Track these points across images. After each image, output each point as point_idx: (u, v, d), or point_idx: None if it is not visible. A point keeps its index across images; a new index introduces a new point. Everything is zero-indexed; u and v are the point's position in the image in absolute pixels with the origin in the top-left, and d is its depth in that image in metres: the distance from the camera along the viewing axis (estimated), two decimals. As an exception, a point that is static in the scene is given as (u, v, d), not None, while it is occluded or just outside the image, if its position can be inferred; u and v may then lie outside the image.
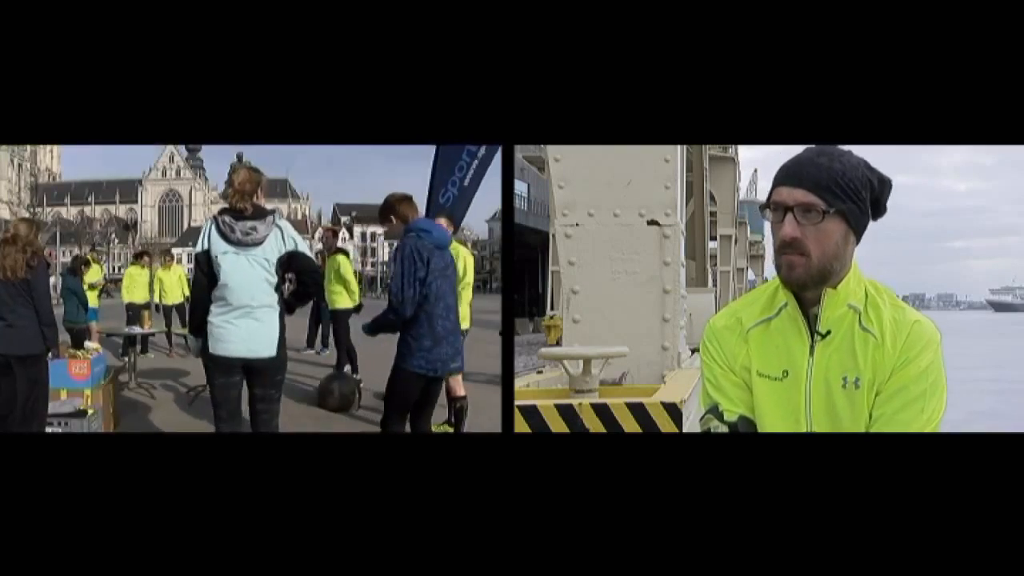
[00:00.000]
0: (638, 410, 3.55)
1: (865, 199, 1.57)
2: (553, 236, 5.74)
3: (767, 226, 1.64)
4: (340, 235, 13.06)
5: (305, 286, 3.98)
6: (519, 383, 4.45)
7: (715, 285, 19.31)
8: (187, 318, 5.19)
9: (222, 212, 3.83)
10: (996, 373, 20.57)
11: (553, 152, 5.12)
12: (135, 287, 11.05)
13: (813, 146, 1.61)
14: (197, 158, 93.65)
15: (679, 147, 5.29)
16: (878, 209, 1.60)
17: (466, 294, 6.12)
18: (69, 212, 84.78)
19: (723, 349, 1.69)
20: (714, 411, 1.69)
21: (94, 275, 10.70)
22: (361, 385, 7.16)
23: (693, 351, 5.35)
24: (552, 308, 16.66)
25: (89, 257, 11.07)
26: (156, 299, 11.57)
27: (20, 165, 75.69)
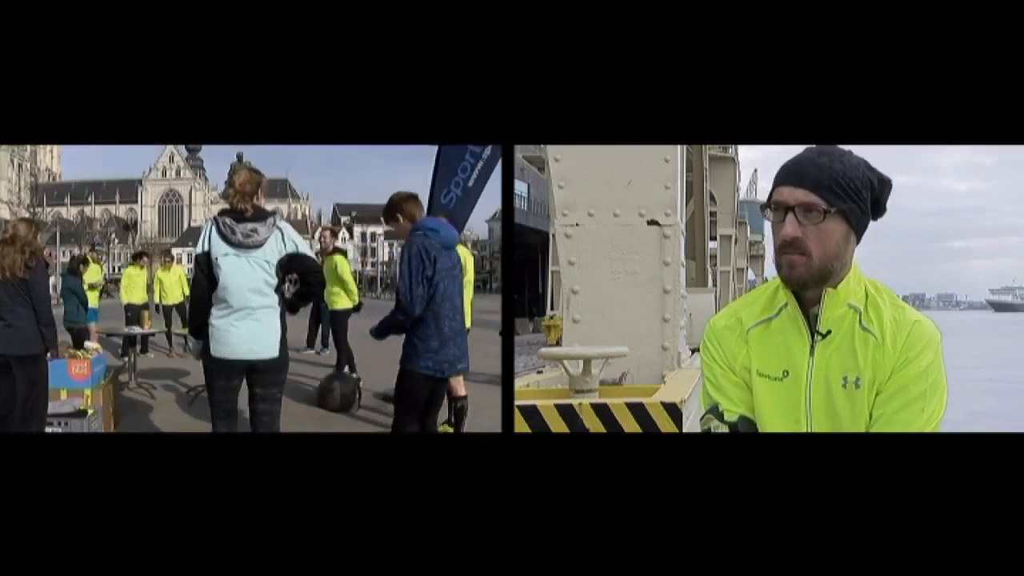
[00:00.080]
0: (638, 410, 3.55)
1: (866, 199, 1.57)
2: (553, 236, 5.74)
3: (767, 226, 1.64)
4: (340, 235, 13.05)
5: (308, 286, 3.97)
6: (519, 383, 4.45)
7: (715, 285, 19.32)
8: (187, 319, 5.18)
9: (222, 213, 3.83)
10: (996, 373, 20.59)
11: (553, 152, 5.12)
12: (133, 288, 11.06)
13: (813, 146, 1.61)
14: (197, 158, 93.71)
15: (679, 147, 5.29)
16: (878, 209, 1.60)
17: (466, 293, 6.11)
18: (69, 212, 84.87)
19: (723, 349, 1.70)
20: (714, 411, 1.69)
21: (94, 275, 10.71)
22: (361, 385, 7.16)
23: (693, 351, 5.35)
24: (552, 308, 16.67)
25: (89, 257, 11.07)
26: (156, 299, 11.58)
27: (20, 165, 75.73)
